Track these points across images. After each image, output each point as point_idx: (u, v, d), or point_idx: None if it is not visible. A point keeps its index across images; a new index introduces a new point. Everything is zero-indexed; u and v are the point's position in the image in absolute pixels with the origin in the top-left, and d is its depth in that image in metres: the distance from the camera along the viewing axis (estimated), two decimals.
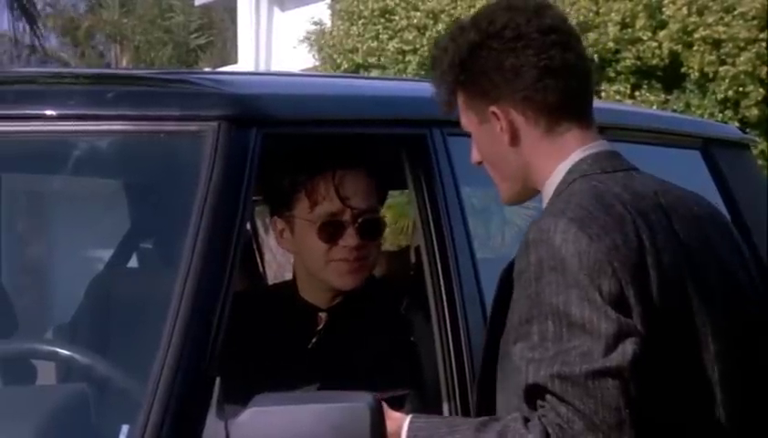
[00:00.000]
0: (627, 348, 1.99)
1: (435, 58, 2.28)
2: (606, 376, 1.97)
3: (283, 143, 2.65)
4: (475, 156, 2.30)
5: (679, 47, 14.02)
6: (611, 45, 14.12)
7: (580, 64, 2.23)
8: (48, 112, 2.53)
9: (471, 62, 2.22)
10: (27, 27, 21.26)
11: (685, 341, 2.11)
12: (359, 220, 2.84)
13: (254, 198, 3.17)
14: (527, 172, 2.24)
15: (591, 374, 1.97)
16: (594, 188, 2.15)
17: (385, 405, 2.20)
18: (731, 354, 2.16)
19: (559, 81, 2.19)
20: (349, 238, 2.82)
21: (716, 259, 2.21)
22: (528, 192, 2.27)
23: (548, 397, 1.99)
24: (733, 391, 2.15)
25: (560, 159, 2.20)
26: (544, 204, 2.22)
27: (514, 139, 2.21)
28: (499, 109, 2.21)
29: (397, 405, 2.27)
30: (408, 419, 2.15)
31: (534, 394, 2.02)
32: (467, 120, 2.28)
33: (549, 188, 2.21)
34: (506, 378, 2.14)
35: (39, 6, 24.17)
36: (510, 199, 2.30)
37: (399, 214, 9.18)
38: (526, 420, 2.03)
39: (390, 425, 2.16)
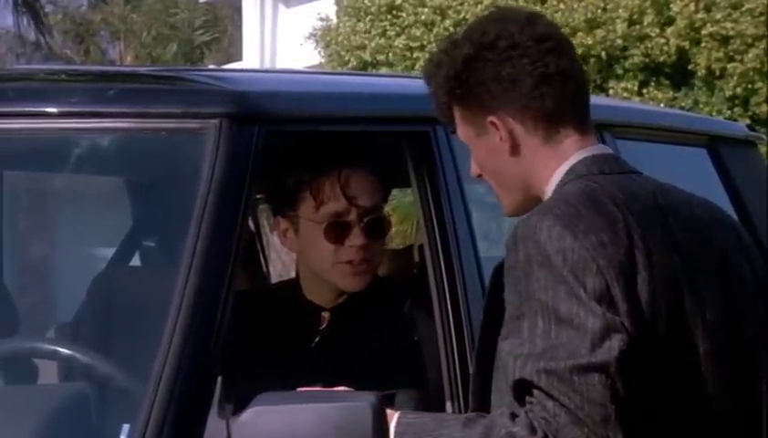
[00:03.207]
0: (614, 344, 1.99)
1: (429, 73, 2.28)
2: (591, 371, 1.97)
3: (285, 141, 2.64)
4: (475, 170, 2.30)
5: (686, 44, 14.00)
6: (619, 42, 14.11)
7: (575, 69, 2.24)
8: (50, 110, 2.52)
9: (466, 75, 2.21)
10: (32, 23, 21.29)
11: (676, 341, 2.10)
12: (365, 219, 2.83)
13: (256, 196, 3.18)
14: (528, 180, 2.23)
15: (576, 369, 1.97)
16: (586, 187, 2.14)
17: None
18: (725, 355, 2.14)
19: (556, 88, 2.19)
20: (356, 238, 2.81)
21: (717, 261, 2.19)
22: (530, 202, 2.26)
23: (535, 392, 1.99)
24: (726, 392, 2.14)
25: (559, 163, 2.20)
26: None
27: (514, 148, 2.21)
28: (498, 118, 2.21)
29: (387, 403, 2.26)
30: (397, 415, 2.15)
31: (521, 390, 2.02)
32: (464, 134, 2.28)
33: (548, 192, 2.20)
34: (500, 375, 2.14)
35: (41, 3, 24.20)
36: (512, 210, 2.30)
37: (405, 215, 9.18)
38: (514, 415, 2.03)
39: None
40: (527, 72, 2.18)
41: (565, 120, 2.21)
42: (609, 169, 2.20)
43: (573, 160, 2.19)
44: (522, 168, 2.22)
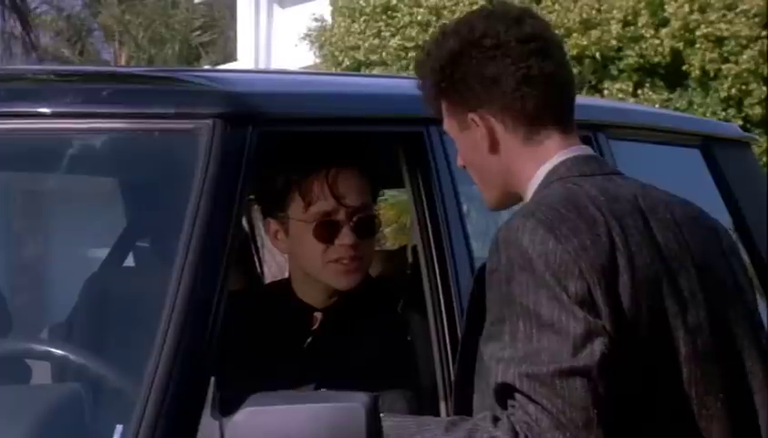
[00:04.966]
0: (596, 348, 1.99)
1: (419, 62, 2.29)
2: (573, 376, 1.98)
3: (278, 141, 2.64)
4: (459, 160, 2.32)
5: (681, 45, 14.02)
6: (614, 42, 14.13)
7: (559, 72, 2.23)
8: (43, 110, 2.52)
9: (450, 69, 2.22)
10: (18, 24, 21.24)
11: (658, 343, 2.11)
12: (354, 218, 2.83)
13: (249, 197, 3.18)
14: (507, 178, 2.24)
15: (559, 374, 1.98)
16: (568, 190, 2.14)
17: None
18: (706, 356, 2.14)
19: (538, 90, 2.19)
20: (345, 237, 2.82)
21: (697, 263, 2.18)
22: (511, 198, 2.27)
23: (517, 396, 2.00)
24: (707, 394, 2.14)
25: (540, 163, 2.20)
26: None
27: (494, 146, 2.22)
28: (478, 116, 2.21)
29: None
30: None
31: (504, 393, 2.02)
32: (449, 126, 2.29)
33: (530, 192, 2.21)
34: (482, 378, 2.14)
35: (35, 4, 24.15)
36: (493, 204, 2.31)
37: (401, 212, 9.20)
38: (496, 419, 2.03)
39: None
40: (510, 72, 2.18)
41: (547, 122, 2.21)
42: (591, 170, 2.20)
43: (554, 161, 2.20)
44: (501, 165, 2.23)
